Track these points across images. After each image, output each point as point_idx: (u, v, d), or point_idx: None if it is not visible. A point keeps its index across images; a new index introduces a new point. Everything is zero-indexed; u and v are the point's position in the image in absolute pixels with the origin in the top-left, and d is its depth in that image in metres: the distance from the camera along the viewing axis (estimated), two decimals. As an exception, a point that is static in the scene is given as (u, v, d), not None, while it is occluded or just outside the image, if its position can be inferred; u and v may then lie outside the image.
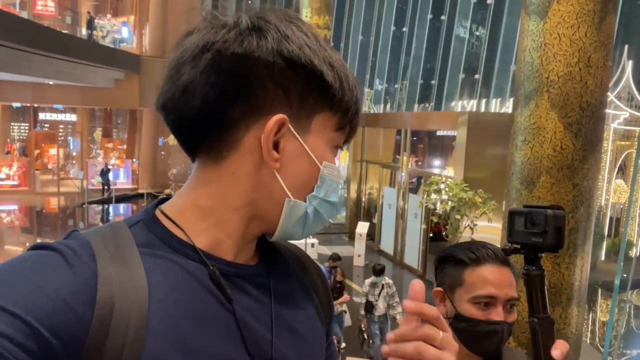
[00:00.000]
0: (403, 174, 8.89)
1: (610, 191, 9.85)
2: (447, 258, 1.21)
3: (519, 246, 0.78)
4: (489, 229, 6.09)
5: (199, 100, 0.59)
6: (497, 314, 1.14)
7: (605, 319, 8.42)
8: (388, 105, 14.07)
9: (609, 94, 9.53)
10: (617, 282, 7.04)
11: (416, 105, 11.91)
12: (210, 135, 0.61)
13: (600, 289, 8.46)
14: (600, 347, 7.11)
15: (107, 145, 19.48)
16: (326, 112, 0.63)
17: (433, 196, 6.12)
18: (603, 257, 9.96)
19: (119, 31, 16.93)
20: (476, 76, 10.14)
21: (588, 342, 6.41)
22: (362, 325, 6.28)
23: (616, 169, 10.22)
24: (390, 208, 9.08)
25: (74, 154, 19.37)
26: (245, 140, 0.61)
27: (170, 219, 0.63)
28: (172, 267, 0.59)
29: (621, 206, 10.57)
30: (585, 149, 4.00)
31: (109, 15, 17.76)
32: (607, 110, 10.10)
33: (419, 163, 15.22)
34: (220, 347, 0.59)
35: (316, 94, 0.62)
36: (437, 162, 13.78)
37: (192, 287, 0.59)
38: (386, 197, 9.34)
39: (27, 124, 20.25)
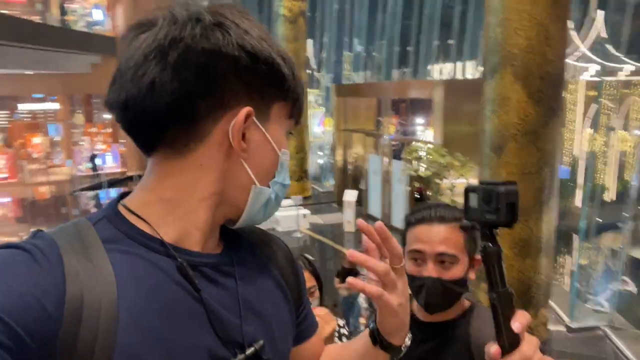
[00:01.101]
0: (386, 139, 9.25)
1: (581, 141, 10.32)
2: (405, 220, 1.32)
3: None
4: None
5: (168, 96, 0.60)
6: (425, 270, 1.21)
7: (583, 263, 9.05)
8: (368, 72, 14.27)
9: (580, 45, 9.82)
10: (582, 225, 7.59)
11: (394, 71, 12.20)
12: (176, 129, 0.62)
13: (576, 235, 9.04)
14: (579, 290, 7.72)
15: (90, 130, 19.41)
16: (281, 102, 0.67)
17: (414, 163, 6.52)
18: (580, 204, 10.52)
19: (91, 14, 16.61)
20: (450, 41, 10.45)
21: (566, 287, 6.98)
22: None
23: (590, 120, 10.67)
24: (376, 174, 9.49)
25: (57, 139, 19.29)
26: (214, 132, 0.63)
27: (135, 214, 0.64)
28: (140, 262, 0.60)
29: (594, 153, 11.08)
30: (546, 115, 4.39)
31: (79, -1, 17.39)
32: (577, 63, 10.45)
33: (403, 122, 15.53)
34: (191, 337, 0.60)
35: (274, 86, 0.66)
36: (419, 119, 14.04)
37: (160, 280, 0.60)
38: (371, 164, 9.73)
39: (6, 112, 20.02)
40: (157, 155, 0.65)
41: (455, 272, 1.22)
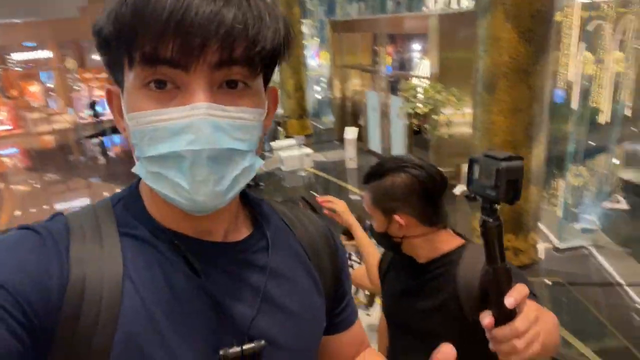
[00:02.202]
0: (383, 73, 9.37)
1: (576, 65, 10.39)
2: None
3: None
4: (464, 124, 6.79)
5: None
6: None
7: (576, 184, 9.48)
8: (362, 5, 13.97)
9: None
10: (569, 149, 7.89)
11: (389, 2, 11.97)
12: None
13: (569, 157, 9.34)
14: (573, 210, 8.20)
15: (84, 75, 19.29)
16: (122, 58, 0.55)
17: (411, 100, 6.74)
18: (572, 128, 10.78)
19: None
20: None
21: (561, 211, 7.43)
22: None
23: (584, 44, 10.65)
24: (375, 110, 9.69)
25: (51, 86, 19.20)
26: None
27: (140, 196, 0.63)
28: (147, 248, 0.59)
29: (589, 77, 11.18)
30: (537, 53, 4.57)
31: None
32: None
33: (399, 51, 15.39)
34: (192, 327, 0.59)
35: (110, 48, 0.55)
36: (416, 46, 13.93)
37: (165, 268, 0.59)
38: (369, 100, 9.89)
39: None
40: None
41: (376, 226, 1.37)
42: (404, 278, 1.42)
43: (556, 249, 5.68)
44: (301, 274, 0.72)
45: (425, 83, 7.13)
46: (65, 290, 0.53)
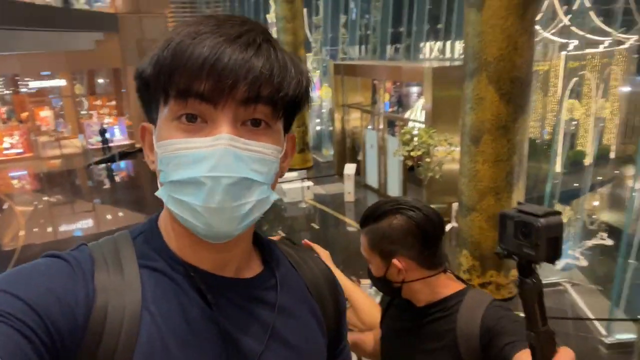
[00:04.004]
0: (381, 117, 10.06)
1: (563, 110, 11.11)
2: None
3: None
4: (454, 161, 7.42)
5: None
6: None
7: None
8: (363, 47, 14.83)
9: (564, 21, 10.40)
10: (547, 190, 8.46)
11: (388, 47, 12.82)
12: None
13: (555, 200, 9.92)
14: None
15: (95, 103, 20.02)
16: (158, 97, 0.61)
17: (405, 147, 7.42)
18: (559, 169, 11.38)
19: (91, -9, 16.95)
20: (439, 26, 11.14)
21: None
22: None
23: (569, 91, 11.41)
24: (372, 147, 10.35)
25: (61, 112, 19.87)
26: None
27: (159, 231, 0.66)
28: (164, 280, 0.63)
29: (575, 122, 11.91)
30: (515, 112, 5.24)
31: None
32: (559, 39, 11.08)
33: (397, 89, 16.13)
34: (204, 357, 0.61)
35: (149, 88, 0.61)
36: (413, 87, 14.71)
37: (181, 299, 0.62)
38: (368, 138, 10.56)
39: (13, 89, 20.48)
40: None
41: (375, 271, 1.34)
42: (404, 318, 1.38)
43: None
44: (307, 314, 0.74)
45: (420, 126, 7.81)
46: (89, 317, 0.56)
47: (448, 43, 10.74)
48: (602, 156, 11.95)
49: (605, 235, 8.84)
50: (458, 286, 1.32)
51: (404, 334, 1.37)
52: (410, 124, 8.66)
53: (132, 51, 16.67)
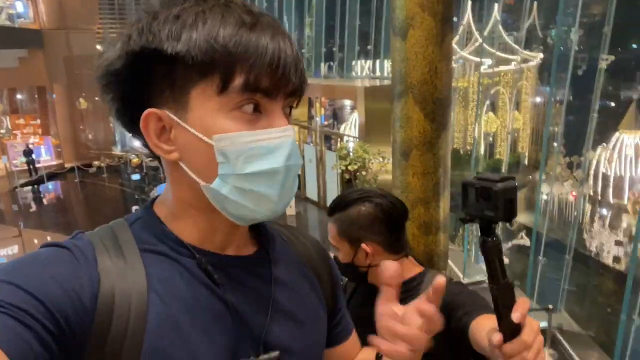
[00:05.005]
0: (317, 133, 10.54)
1: (481, 123, 12.15)
2: None
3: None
4: (387, 172, 8.01)
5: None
6: None
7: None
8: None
9: (481, 43, 11.40)
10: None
11: (322, 64, 13.39)
12: None
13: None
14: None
15: (17, 122, 19.01)
16: (198, 81, 0.58)
17: (342, 161, 7.94)
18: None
19: (13, 6, 16.13)
20: (369, 47, 11.92)
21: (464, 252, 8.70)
22: None
23: (485, 105, 12.51)
24: (311, 162, 10.79)
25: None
26: (146, 139, 0.62)
27: (157, 217, 0.66)
28: (168, 262, 0.63)
29: (492, 133, 13.02)
30: (438, 130, 5.82)
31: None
32: (475, 58, 12.15)
33: (332, 103, 16.74)
34: (215, 335, 0.62)
35: (176, 70, 0.58)
36: (347, 101, 15.36)
37: (186, 280, 0.63)
38: (307, 153, 11.00)
39: None
40: None
41: (342, 257, 1.38)
42: (369, 303, 1.64)
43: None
44: (305, 286, 0.76)
45: (355, 140, 8.36)
46: (96, 301, 0.56)
47: (378, 62, 11.47)
48: (516, 163, 13.10)
49: (524, 234, 9.77)
50: (418, 269, 1.41)
51: (370, 318, 1.53)
52: (346, 139, 9.20)
53: (58, 67, 16.09)
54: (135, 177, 15.38)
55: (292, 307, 0.71)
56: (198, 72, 0.58)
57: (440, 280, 0.60)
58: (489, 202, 0.70)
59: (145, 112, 0.60)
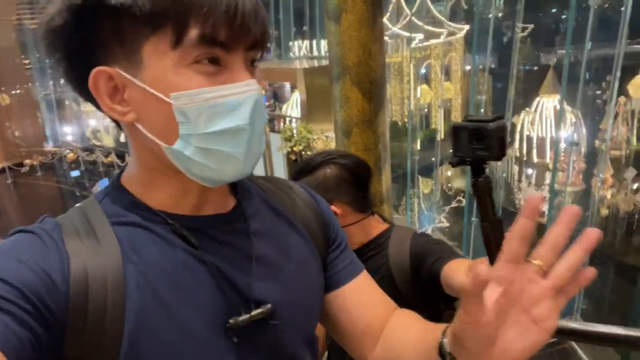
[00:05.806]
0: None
1: (416, 96, 12.70)
2: None
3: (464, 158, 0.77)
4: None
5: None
6: None
7: (426, 192, 11.58)
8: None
9: (411, 16, 11.82)
10: (408, 164, 9.78)
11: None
12: None
13: (419, 175, 11.34)
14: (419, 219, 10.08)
15: None
16: (150, 35, 0.55)
17: (288, 143, 8.20)
18: (419, 147, 12.94)
19: None
20: (304, 28, 12.07)
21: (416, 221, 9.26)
22: None
23: (418, 78, 13.04)
24: (256, 144, 10.92)
25: None
26: (98, 101, 0.59)
27: (125, 188, 0.65)
28: (141, 232, 0.61)
29: (426, 105, 13.64)
30: (376, 108, 6.19)
31: None
32: (405, 33, 12.60)
33: (271, 84, 16.80)
34: (196, 298, 0.61)
35: (123, 23, 0.55)
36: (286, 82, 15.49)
37: (161, 247, 0.61)
38: (250, 136, 11.12)
39: None
40: None
41: None
42: None
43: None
44: (292, 236, 0.73)
45: (298, 122, 8.61)
46: (69, 281, 0.55)
47: (314, 41, 11.68)
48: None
49: (461, 197, 10.47)
50: (384, 226, 1.44)
51: None
52: (289, 120, 9.44)
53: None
54: (74, 173, 14.83)
55: (277, 259, 0.70)
56: (148, 24, 0.54)
57: (535, 196, 0.51)
58: (482, 142, 0.72)
59: (94, 71, 0.57)
